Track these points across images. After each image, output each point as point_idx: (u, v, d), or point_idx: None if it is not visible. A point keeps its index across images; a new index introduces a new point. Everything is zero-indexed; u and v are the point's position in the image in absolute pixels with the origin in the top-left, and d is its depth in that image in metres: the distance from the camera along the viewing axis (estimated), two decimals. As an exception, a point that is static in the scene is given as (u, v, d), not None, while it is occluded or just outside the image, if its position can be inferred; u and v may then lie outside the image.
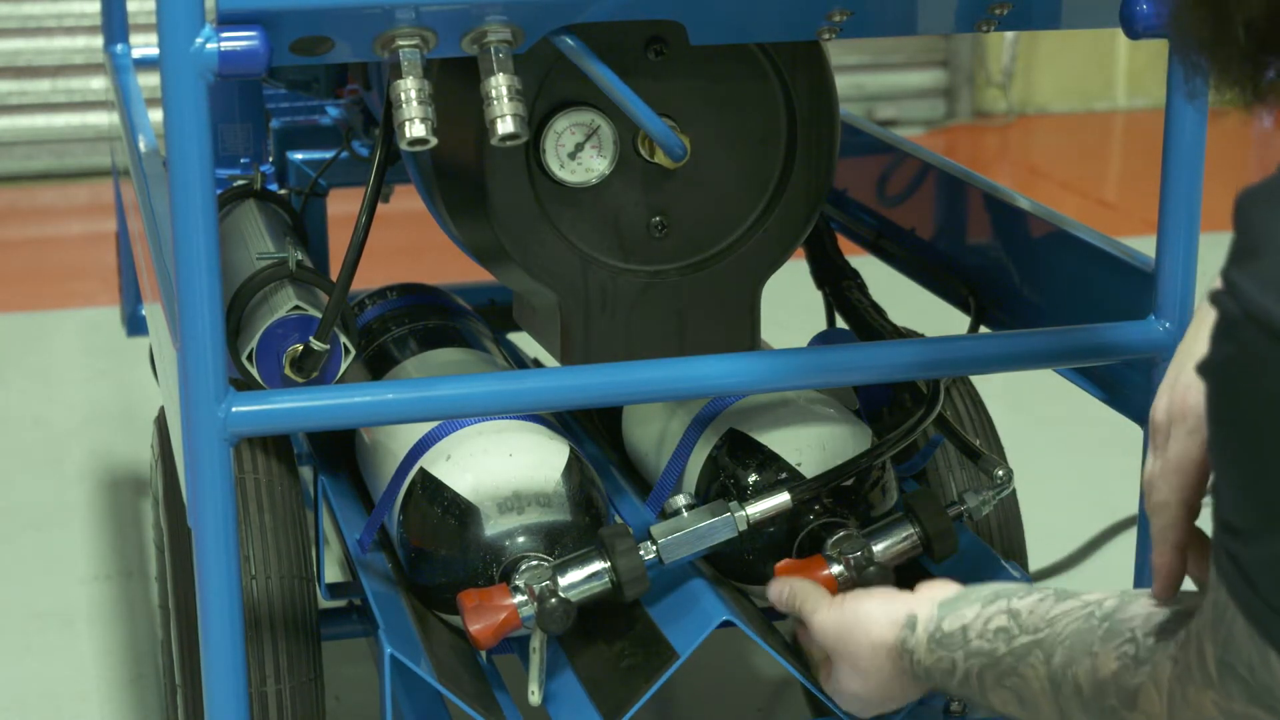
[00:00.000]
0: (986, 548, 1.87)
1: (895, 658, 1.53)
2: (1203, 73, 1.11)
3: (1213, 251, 1.27)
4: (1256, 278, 1.01)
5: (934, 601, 1.52)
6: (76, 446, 3.52)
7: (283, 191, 2.42)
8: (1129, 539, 2.80)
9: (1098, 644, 1.32)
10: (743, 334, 1.81)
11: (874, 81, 6.26)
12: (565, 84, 1.70)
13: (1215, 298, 1.04)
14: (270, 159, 2.59)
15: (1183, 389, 1.30)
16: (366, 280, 2.07)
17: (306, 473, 2.19)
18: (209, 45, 1.39)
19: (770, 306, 1.84)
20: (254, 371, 1.74)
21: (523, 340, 2.49)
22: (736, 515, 1.72)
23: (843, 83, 2.07)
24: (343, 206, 2.48)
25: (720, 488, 1.81)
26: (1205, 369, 1.06)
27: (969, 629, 1.46)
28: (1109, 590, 1.39)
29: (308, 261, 1.86)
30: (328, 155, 2.60)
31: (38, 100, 5.68)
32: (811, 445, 1.80)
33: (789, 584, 1.67)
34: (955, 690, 1.49)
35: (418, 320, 2.13)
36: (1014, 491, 1.95)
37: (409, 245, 4.15)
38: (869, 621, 1.55)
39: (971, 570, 1.82)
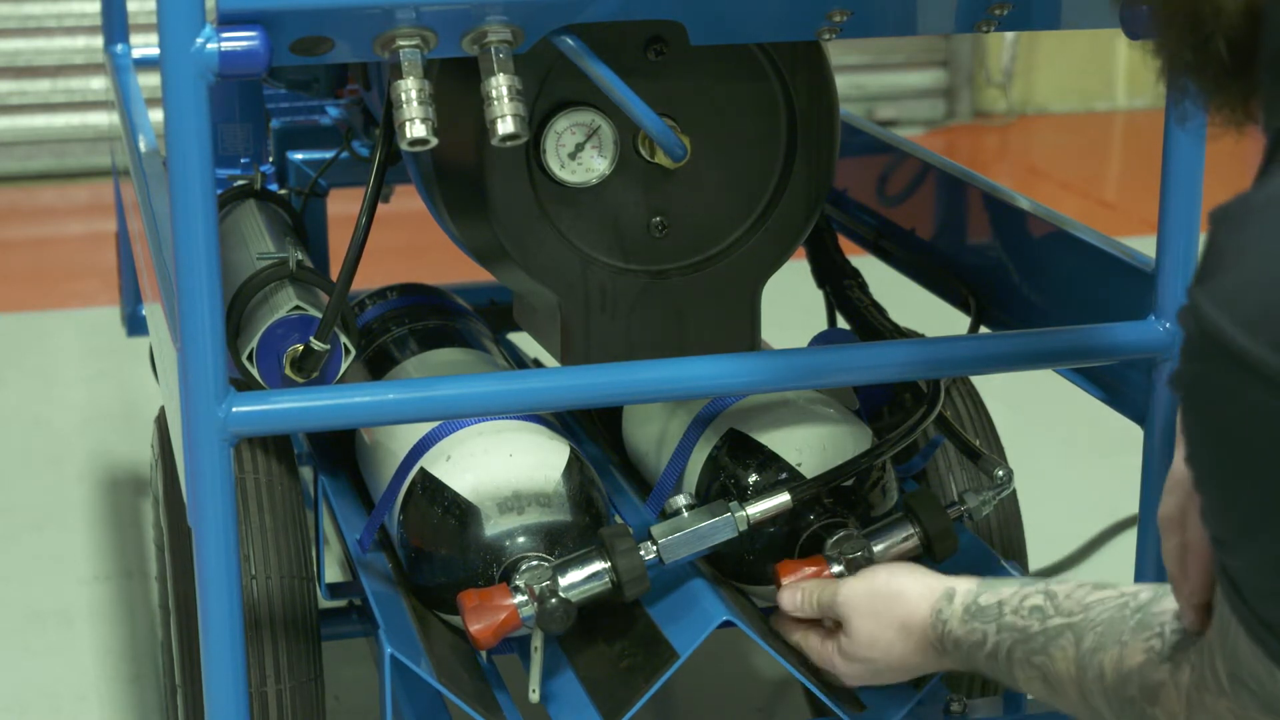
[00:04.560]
0: (986, 548, 1.87)
1: (926, 628, 1.55)
2: (1192, 95, 1.11)
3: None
4: (1214, 296, 1.01)
5: (972, 579, 1.55)
6: (76, 446, 3.52)
7: (283, 191, 2.42)
8: (1129, 539, 2.80)
9: (1128, 634, 1.34)
10: (743, 334, 1.81)
11: (874, 81, 6.26)
12: (565, 84, 1.70)
13: (1180, 315, 1.05)
14: (270, 159, 2.59)
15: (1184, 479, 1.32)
16: (366, 280, 2.07)
17: (306, 473, 2.19)
18: (209, 45, 1.39)
19: (770, 306, 1.84)
20: (254, 371, 1.74)
21: (523, 340, 2.49)
22: (736, 515, 1.72)
23: (843, 83, 2.07)
24: (343, 206, 2.48)
25: (720, 488, 1.81)
26: (1174, 384, 1.07)
27: (1005, 604, 1.49)
28: (1145, 584, 1.41)
29: (308, 261, 1.86)
30: (328, 155, 2.60)
31: (38, 100, 5.68)
32: (811, 445, 1.80)
33: (800, 588, 1.69)
34: (982, 664, 1.50)
35: (418, 320, 2.13)
36: (1014, 491, 1.95)
37: (409, 245, 4.15)
38: (907, 591, 1.57)
39: (971, 570, 1.82)
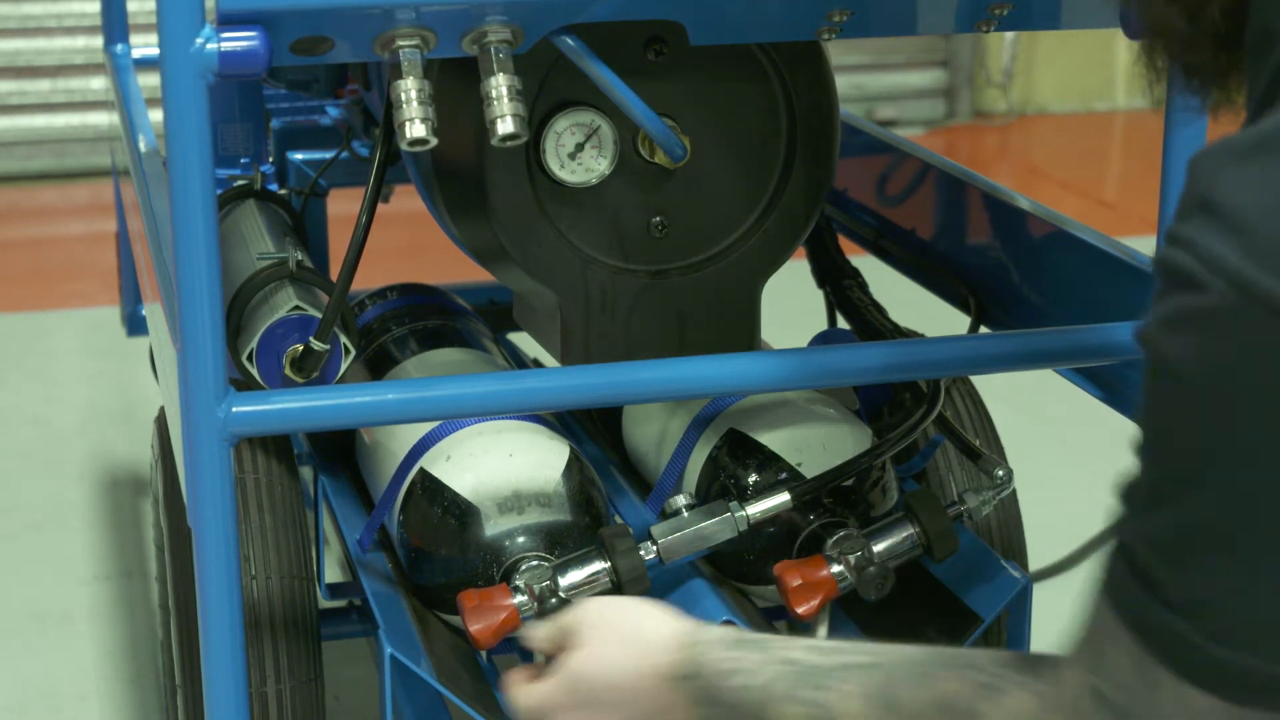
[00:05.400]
0: (986, 548, 1.87)
1: (664, 650, 1.32)
2: (1179, 73, 1.08)
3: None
4: (1220, 233, 0.92)
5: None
6: (76, 446, 3.52)
7: (283, 191, 2.42)
8: (1129, 539, 2.79)
9: (933, 668, 1.18)
10: (743, 334, 1.81)
11: (874, 81, 6.26)
12: (565, 84, 1.70)
13: (1165, 255, 0.95)
14: (270, 159, 2.59)
15: None
16: (366, 280, 2.07)
17: (306, 473, 2.19)
18: (209, 45, 1.39)
19: (770, 306, 1.84)
20: (254, 371, 1.74)
21: (523, 340, 2.49)
22: (736, 515, 1.72)
23: (843, 83, 2.07)
24: (343, 206, 2.48)
25: (720, 488, 1.81)
26: (1162, 328, 0.95)
27: (773, 642, 1.29)
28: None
29: (308, 261, 1.86)
30: (328, 155, 2.60)
31: (38, 100, 5.68)
32: (811, 445, 1.80)
33: (541, 624, 1.46)
34: (725, 699, 1.27)
35: (418, 320, 2.13)
36: (1014, 491, 1.95)
37: (409, 245, 4.16)
38: (652, 612, 1.37)
39: (971, 570, 1.82)
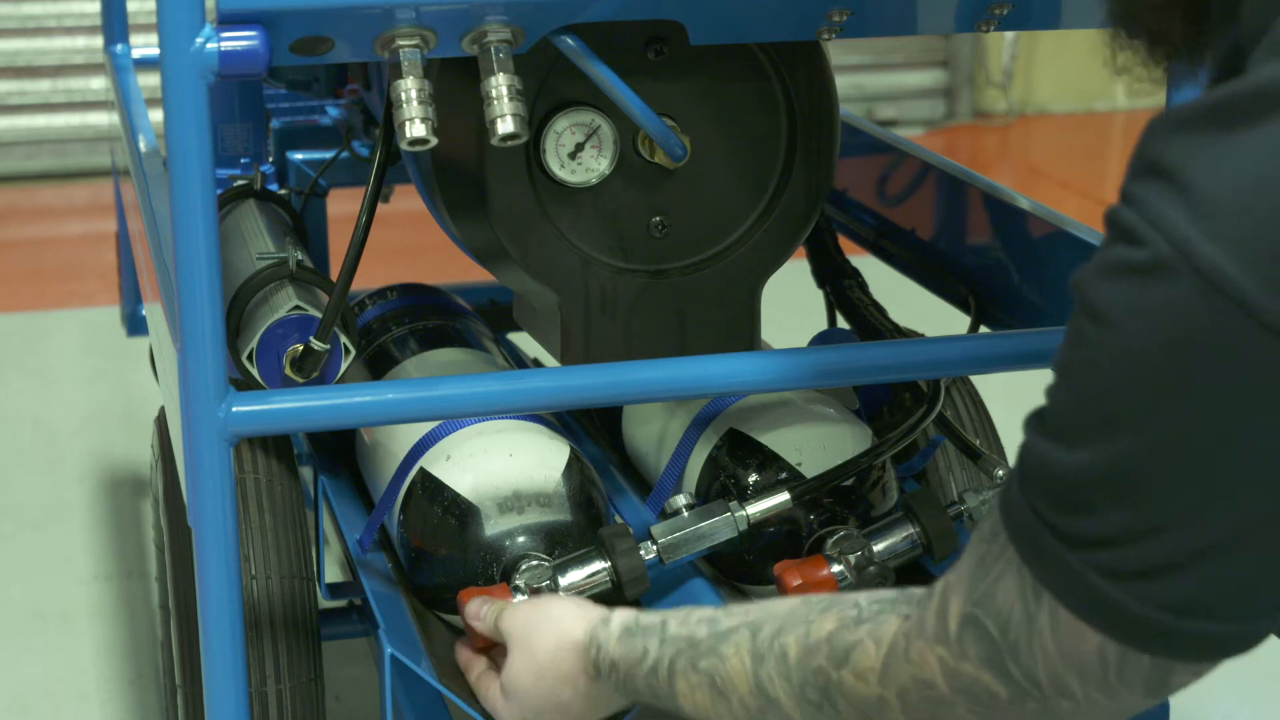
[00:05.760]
0: (986, 548, 1.87)
1: (580, 651, 1.41)
2: (1148, 44, 1.08)
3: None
4: (1184, 210, 0.93)
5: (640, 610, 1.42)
6: (76, 446, 3.52)
7: (283, 191, 2.42)
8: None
9: (815, 614, 1.21)
10: (743, 334, 1.81)
11: (874, 81, 6.26)
12: (565, 84, 1.70)
13: (1116, 210, 0.96)
14: (270, 159, 2.59)
15: None
16: (366, 280, 2.08)
17: (306, 473, 2.19)
18: (209, 45, 1.39)
19: (770, 306, 1.84)
20: (254, 371, 1.74)
21: (523, 340, 2.49)
22: (736, 515, 1.72)
23: (843, 83, 2.07)
24: (343, 206, 2.48)
25: (720, 488, 1.81)
26: (1104, 290, 0.96)
27: (669, 620, 1.34)
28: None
29: (308, 261, 1.86)
30: (328, 155, 2.60)
31: (38, 100, 5.68)
32: (811, 445, 1.80)
33: (486, 602, 1.59)
34: (642, 687, 1.34)
35: (418, 320, 2.13)
36: (1014, 491, 1.95)
37: (409, 245, 4.16)
38: (561, 613, 1.44)
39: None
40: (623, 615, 1.39)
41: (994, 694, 1.08)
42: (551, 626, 1.44)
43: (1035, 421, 1.03)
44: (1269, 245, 0.91)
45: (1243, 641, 1.03)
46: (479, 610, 1.58)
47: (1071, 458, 1.00)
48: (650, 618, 1.36)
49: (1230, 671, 1.45)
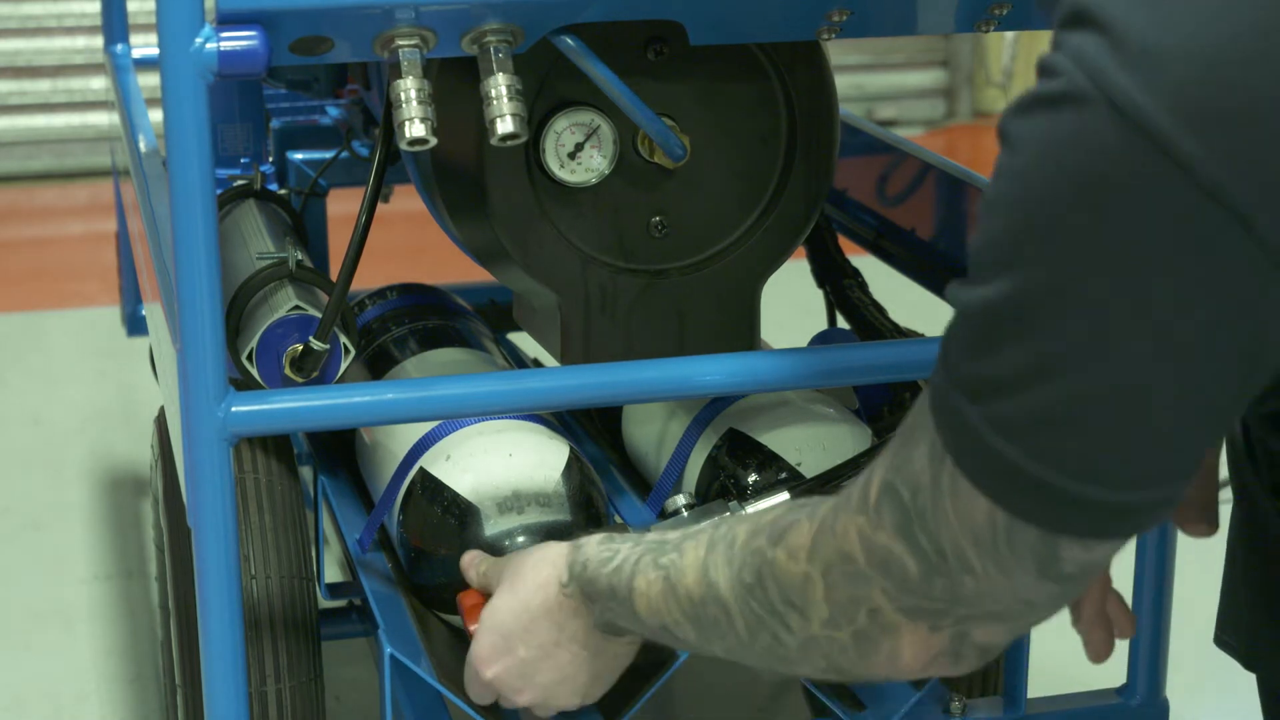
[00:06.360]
0: (986, 548, 1.87)
1: (560, 559, 1.41)
2: None
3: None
4: (1106, 47, 0.91)
5: None
6: (76, 446, 3.52)
7: (283, 191, 2.42)
8: (1129, 539, 2.79)
9: (774, 512, 1.21)
10: (743, 334, 1.81)
11: (874, 81, 6.26)
12: (565, 84, 1.70)
13: (1048, 58, 0.95)
14: (270, 159, 2.59)
15: None
16: (366, 280, 2.08)
17: (306, 473, 2.19)
18: (209, 45, 1.39)
19: (770, 306, 1.84)
20: (254, 371, 1.74)
21: (523, 340, 2.49)
22: (736, 515, 1.72)
23: (843, 83, 2.07)
24: (343, 206, 2.48)
25: (720, 488, 1.81)
26: (1025, 129, 0.96)
27: (655, 529, 1.37)
28: None
29: (308, 261, 1.86)
30: (328, 155, 2.60)
31: (38, 100, 5.68)
32: (811, 445, 1.80)
33: (483, 556, 1.61)
34: (602, 589, 1.34)
35: (418, 320, 2.13)
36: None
37: (409, 245, 4.16)
38: (545, 548, 1.46)
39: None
40: (602, 533, 1.41)
41: (905, 568, 1.06)
42: (537, 554, 1.46)
43: (960, 277, 1.01)
44: (1191, 84, 0.89)
45: (1127, 516, 0.99)
46: (473, 558, 1.61)
47: (979, 292, 0.97)
48: (630, 530, 1.36)
49: (1231, 671, 1.45)
